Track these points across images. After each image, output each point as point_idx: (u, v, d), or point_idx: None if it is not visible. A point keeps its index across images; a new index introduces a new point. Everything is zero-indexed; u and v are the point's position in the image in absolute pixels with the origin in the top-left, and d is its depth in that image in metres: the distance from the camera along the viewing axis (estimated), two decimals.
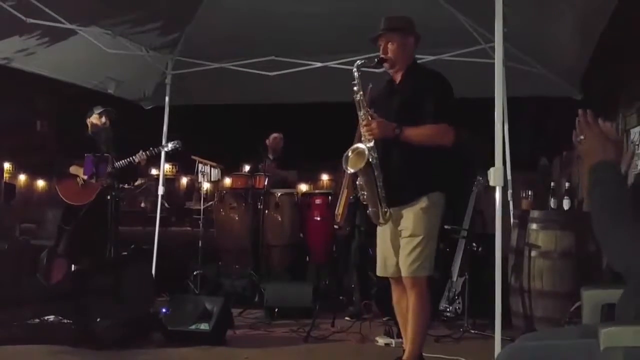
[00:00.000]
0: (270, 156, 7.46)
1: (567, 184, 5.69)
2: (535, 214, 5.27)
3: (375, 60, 3.80)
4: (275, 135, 7.57)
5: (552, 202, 5.32)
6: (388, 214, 3.71)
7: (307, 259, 7.05)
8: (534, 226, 5.19)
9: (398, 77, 3.89)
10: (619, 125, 5.80)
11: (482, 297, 5.14)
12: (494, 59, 3.94)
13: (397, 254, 3.79)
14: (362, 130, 3.65)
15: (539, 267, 5.06)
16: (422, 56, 5.94)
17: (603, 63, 5.87)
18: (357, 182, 3.72)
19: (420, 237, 3.68)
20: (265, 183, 6.88)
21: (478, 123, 5.33)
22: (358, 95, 3.67)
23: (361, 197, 3.72)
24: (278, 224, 7.00)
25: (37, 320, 4.71)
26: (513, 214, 5.64)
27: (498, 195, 3.79)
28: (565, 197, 5.29)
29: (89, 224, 5.79)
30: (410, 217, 3.70)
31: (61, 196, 5.95)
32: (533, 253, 5.12)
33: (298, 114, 9.15)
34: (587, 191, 2.02)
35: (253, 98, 7.71)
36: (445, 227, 6.57)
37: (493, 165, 3.76)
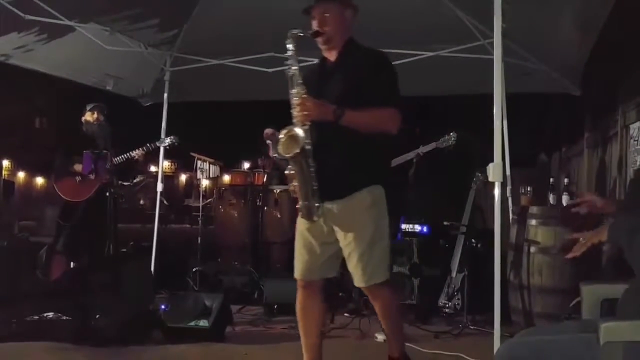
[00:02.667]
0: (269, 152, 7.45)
1: (566, 180, 5.70)
2: (534, 210, 5.28)
3: (310, 32, 3.34)
4: (267, 131, 7.56)
5: (551, 198, 5.32)
6: (321, 209, 3.23)
7: None
8: (533, 222, 5.20)
9: (333, 55, 3.41)
10: (619, 121, 5.80)
11: (482, 293, 5.14)
12: (492, 55, 3.93)
13: (324, 254, 3.38)
14: (296, 110, 3.19)
15: (538, 263, 5.06)
16: (420, 52, 5.96)
17: (602, 59, 5.86)
18: (287, 172, 3.26)
19: (368, 240, 3.25)
20: (264, 180, 6.88)
21: (477, 119, 5.33)
22: (291, 70, 3.23)
23: (290, 189, 3.29)
24: (277, 221, 7.00)
25: (36, 317, 4.71)
26: (512, 210, 5.64)
27: (497, 191, 3.79)
28: (564, 193, 5.29)
29: (88, 221, 5.79)
30: (351, 216, 3.25)
31: (60, 193, 5.95)
32: (532, 249, 5.12)
33: None
34: (625, 245, 2.01)
35: (252, 94, 7.70)
36: (445, 223, 6.61)
37: (492, 161, 3.75)
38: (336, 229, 3.29)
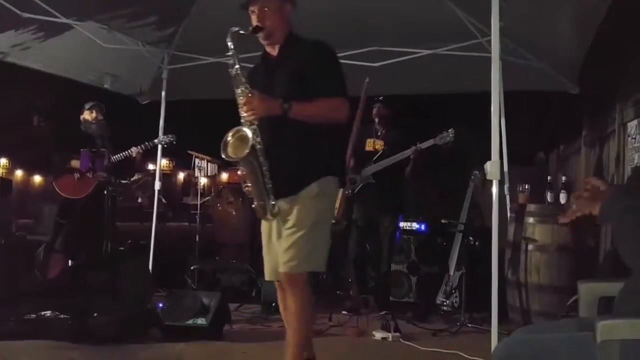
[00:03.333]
0: None
1: (563, 178, 5.70)
2: (532, 207, 5.28)
3: (250, 28, 3.29)
4: None
5: (549, 196, 5.33)
6: (276, 207, 3.20)
7: None
8: (530, 220, 5.20)
9: (275, 50, 3.36)
10: (616, 119, 5.80)
11: (479, 291, 5.14)
12: (490, 53, 3.93)
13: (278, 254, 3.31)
14: (242, 110, 3.14)
15: (536, 261, 5.07)
16: (418, 50, 5.96)
17: (600, 57, 5.86)
18: (239, 172, 3.22)
19: (305, 229, 3.16)
20: None
21: (475, 117, 5.33)
22: (233, 70, 3.19)
23: (245, 189, 3.23)
24: None
25: (34, 315, 4.71)
26: (510, 208, 5.64)
27: (495, 189, 3.79)
28: (562, 191, 5.30)
29: (86, 220, 5.79)
30: (297, 207, 3.19)
31: (58, 190, 5.95)
32: (530, 247, 5.13)
33: None
34: (615, 223, 2.00)
35: None
36: (443, 221, 6.62)
37: (490, 159, 3.75)
38: (285, 222, 3.24)
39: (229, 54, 3.20)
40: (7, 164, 14.02)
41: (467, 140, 5.83)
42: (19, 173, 14.46)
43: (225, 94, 8.55)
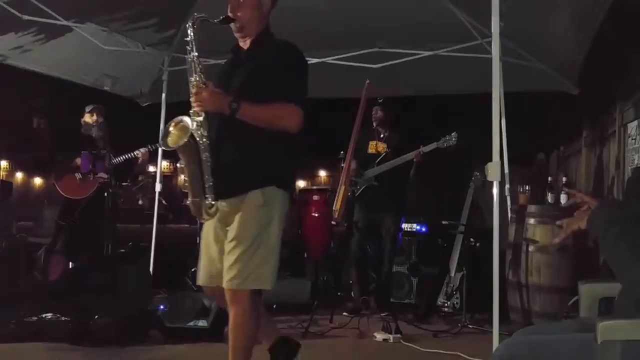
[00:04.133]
0: None
1: (564, 179, 5.71)
2: (532, 208, 5.28)
3: (221, 17, 3.15)
4: None
5: (550, 197, 5.33)
6: (214, 208, 3.01)
7: (305, 255, 7.05)
8: (531, 221, 5.20)
9: (246, 45, 3.21)
10: (616, 120, 5.80)
11: (480, 292, 5.15)
12: (491, 54, 3.93)
13: (216, 260, 3.14)
14: (192, 99, 2.98)
15: (537, 262, 5.07)
16: (418, 51, 5.96)
17: (600, 57, 5.86)
18: (179, 164, 3.14)
19: (248, 242, 2.98)
20: None
21: (475, 119, 5.34)
22: (190, 56, 3.03)
23: (182, 183, 3.25)
24: None
25: (34, 317, 4.71)
26: (510, 209, 5.64)
27: (495, 190, 3.79)
28: (563, 191, 5.29)
29: (86, 221, 5.79)
30: (239, 215, 3.01)
31: (60, 190, 5.95)
32: (530, 248, 5.13)
33: None
34: (600, 235, 2.01)
35: None
36: (443, 222, 6.62)
37: (490, 160, 3.75)
38: (228, 228, 3.06)
39: (187, 38, 3.06)
40: (8, 166, 14.01)
41: (467, 142, 5.82)
42: (19, 175, 14.44)
43: None
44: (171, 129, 2.98)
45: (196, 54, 3.03)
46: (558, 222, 2.29)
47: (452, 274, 5.93)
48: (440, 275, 6.08)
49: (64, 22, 5.40)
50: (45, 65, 6.06)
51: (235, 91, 3.01)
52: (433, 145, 5.75)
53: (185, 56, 3.06)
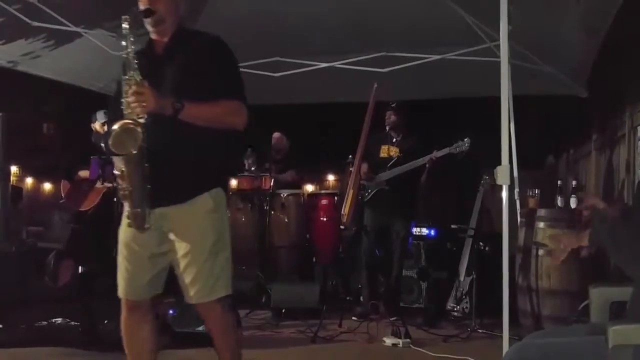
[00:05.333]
0: (277, 156, 7.45)
1: (574, 182, 5.67)
2: (542, 212, 5.25)
3: (140, 10, 2.86)
4: (275, 135, 7.55)
5: (559, 201, 5.30)
6: (153, 216, 2.82)
7: (314, 259, 7.05)
8: (541, 225, 5.17)
9: (163, 41, 2.96)
10: (626, 123, 5.77)
11: (490, 296, 5.14)
12: (499, 57, 3.92)
13: (154, 268, 2.97)
14: (130, 99, 2.68)
15: (547, 266, 5.03)
16: (426, 55, 5.96)
17: (609, 60, 5.84)
18: (116, 171, 2.79)
19: (206, 254, 2.86)
20: (271, 184, 6.88)
21: (485, 122, 5.32)
22: (125, 52, 2.73)
23: (120, 192, 2.81)
24: (284, 225, 7.00)
25: (44, 322, 4.72)
26: (520, 213, 5.62)
27: (505, 193, 3.78)
28: (572, 195, 5.27)
29: (95, 226, 5.80)
30: (191, 223, 2.85)
31: (69, 206, 5.98)
32: (540, 252, 5.09)
33: (303, 114, 9.14)
34: (607, 243, 2.02)
35: (258, 99, 7.69)
36: (452, 226, 6.60)
37: (499, 163, 3.74)
38: (172, 237, 2.87)
39: (123, 32, 2.74)
40: (18, 172, 14.08)
41: (476, 145, 5.81)
42: (29, 180, 14.53)
43: None
44: (117, 130, 2.65)
45: (133, 48, 2.72)
46: (553, 238, 2.31)
47: (462, 278, 5.91)
48: (450, 279, 6.06)
49: (73, 29, 5.42)
50: (54, 71, 6.10)
51: (168, 90, 2.77)
52: (445, 151, 5.73)
53: (121, 53, 2.76)
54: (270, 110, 8.43)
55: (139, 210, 2.78)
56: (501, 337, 3.72)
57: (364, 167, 5.74)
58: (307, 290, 5.97)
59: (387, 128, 6.08)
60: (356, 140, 5.50)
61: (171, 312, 4.93)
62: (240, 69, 3.03)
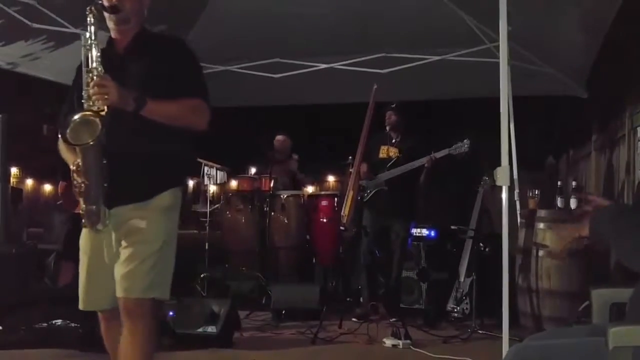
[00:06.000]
0: (279, 157, 7.45)
1: (574, 183, 5.68)
2: (542, 213, 5.26)
3: (107, 5, 2.76)
4: (278, 137, 7.55)
5: (559, 201, 5.30)
6: (108, 215, 2.69)
7: (314, 260, 7.05)
8: (541, 225, 5.17)
9: (125, 40, 2.86)
10: (626, 124, 5.78)
11: (490, 297, 5.13)
12: (498, 58, 3.92)
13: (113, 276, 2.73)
14: (92, 91, 2.56)
15: (547, 267, 5.04)
16: (426, 56, 5.97)
17: (609, 61, 5.84)
18: (73, 166, 2.62)
19: (154, 249, 2.72)
20: (271, 185, 6.88)
21: (484, 123, 5.33)
22: (89, 43, 2.67)
23: (75, 189, 2.66)
24: (284, 226, 7.00)
25: (44, 324, 4.72)
26: (520, 214, 5.62)
27: (505, 194, 3.77)
28: (572, 196, 5.27)
29: None
30: (144, 218, 2.72)
31: (65, 207, 5.96)
32: (540, 252, 5.10)
33: (303, 115, 9.15)
34: (608, 233, 2.01)
35: (258, 100, 7.72)
36: (452, 227, 6.60)
37: (499, 164, 3.74)
38: (124, 234, 2.73)
39: (88, 22, 2.70)
40: (18, 173, 14.08)
41: (476, 146, 5.81)
42: (29, 182, 14.52)
43: (234, 101, 8.63)
44: (76, 119, 2.57)
45: (95, 41, 2.65)
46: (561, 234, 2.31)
47: (462, 279, 5.90)
48: (450, 280, 6.05)
49: (73, 30, 5.43)
50: (54, 72, 6.10)
51: (130, 88, 2.66)
52: (445, 152, 5.72)
53: (83, 45, 2.67)
54: (270, 111, 8.46)
55: (93, 207, 2.65)
56: (501, 338, 3.70)
57: (364, 167, 5.74)
58: (307, 292, 5.97)
59: (388, 128, 6.07)
60: (356, 141, 5.50)
61: (171, 313, 4.92)
62: (203, 71, 3.01)
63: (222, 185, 7.98)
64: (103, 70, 2.61)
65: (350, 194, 5.43)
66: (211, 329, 4.73)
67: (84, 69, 2.64)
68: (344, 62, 6.20)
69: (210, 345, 4.68)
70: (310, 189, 8.77)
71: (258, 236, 6.91)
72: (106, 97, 2.56)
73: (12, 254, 5.61)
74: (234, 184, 7.69)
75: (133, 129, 2.66)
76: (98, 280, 2.79)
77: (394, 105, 6.08)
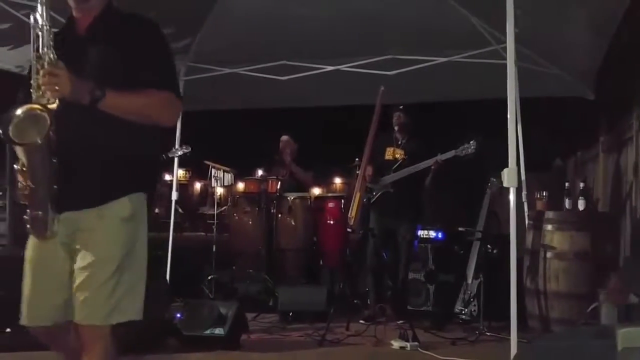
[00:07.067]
0: (284, 159, 7.45)
1: (581, 185, 5.66)
2: (550, 214, 5.24)
3: None
4: (283, 137, 7.53)
5: (567, 203, 5.29)
6: (57, 222, 2.34)
7: (321, 262, 7.05)
8: (549, 227, 5.16)
9: (87, 20, 2.49)
10: (633, 125, 5.75)
11: (498, 299, 5.12)
12: (506, 59, 3.92)
13: (65, 287, 2.40)
14: (41, 81, 2.24)
15: (555, 268, 5.03)
16: (434, 58, 5.96)
17: (616, 62, 5.82)
18: (17, 165, 2.28)
19: (113, 268, 2.36)
20: (278, 187, 6.89)
21: (492, 124, 5.32)
22: (40, 25, 2.34)
23: (19, 192, 2.32)
24: (291, 228, 7.00)
25: None
26: (528, 215, 5.61)
27: (512, 196, 3.77)
28: (580, 197, 5.26)
29: None
30: (101, 230, 2.38)
31: None
32: (548, 254, 5.09)
33: (310, 117, 9.16)
34: None
35: (265, 102, 7.73)
36: (460, 228, 6.59)
37: (507, 166, 3.73)
38: (78, 246, 2.39)
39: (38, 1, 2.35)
40: None
41: (483, 148, 5.80)
42: None
43: (241, 104, 8.64)
44: (19, 113, 2.21)
45: (46, 23, 2.33)
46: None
47: (469, 281, 5.89)
48: (457, 282, 6.04)
49: None
50: None
51: (87, 77, 2.31)
52: (451, 153, 5.71)
53: (30, 22, 2.36)
54: (277, 114, 8.47)
55: (39, 213, 2.30)
56: (509, 340, 3.70)
57: (369, 170, 5.73)
58: (314, 293, 5.97)
59: (396, 129, 6.06)
60: (363, 143, 5.51)
61: (179, 315, 4.94)
62: (173, 62, 2.63)
63: (229, 188, 8.00)
64: (55, 56, 2.26)
65: (357, 196, 5.43)
66: (219, 330, 4.74)
67: (32, 54, 2.31)
68: (351, 64, 6.21)
69: (217, 347, 4.69)
70: (316, 191, 8.77)
71: (265, 238, 6.91)
72: (57, 88, 2.21)
73: (20, 257, 5.63)
74: (241, 186, 7.70)
75: (88, 123, 2.32)
76: (44, 294, 2.43)
77: (401, 107, 6.08)
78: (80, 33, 2.49)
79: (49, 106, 2.22)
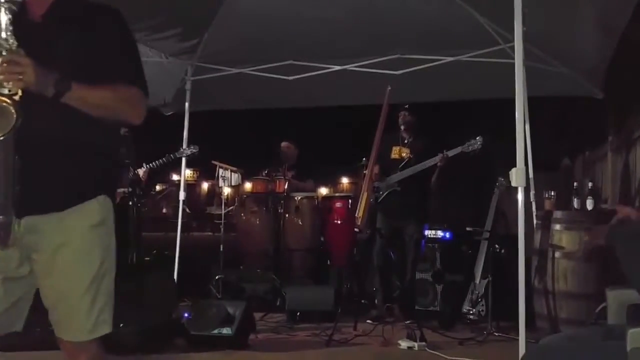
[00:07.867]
0: (287, 163, 7.44)
1: (590, 184, 5.64)
2: (558, 214, 5.22)
3: None
4: (283, 144, 7.47)
5: (575, 203, 5.27)
6: (22, 227, 2.13)
7: (328, 262, 7.04)
8: (557, 227, 5.14)
9: (44, 5, 2.23)
10: None
11: (506, 299, 5.10)
12: (513, 59, 3.90)
13: (11, 296, 2.28)
14: (1, 69, 2.00)
15: (563, 268, 5.01)
16: (441, 57, 5.94)
17: (625, 61, 5.79)
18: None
19: (94, 274, 2.22)
20: (285, 187, 6.89)
21: (500, 124, 5.31)
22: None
23: None
24: (299, 228, 7.00)
25: None
26: (536, 215, 5.58)
27: (520, 196, 3.76)
28: (589, 197, 5.23)
29: None
30: (68, 240, 2.19)
31: None
32: (557, 254, 5.07)
33: (317, 117, 9.15)
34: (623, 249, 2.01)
35: (272, 102, 7.73)
36: (468, 228, 6.58)
37: (515, 165, 3.72)
38: (37, 257, 2.21)
39: None
40: None
41: (491, 147, 5.78)
42: None
43: (248, 104, 8.65)
44: None
45: (5, 4, 2.05)
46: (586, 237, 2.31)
47: (477, 281, 5.87)
48: (465, 282, 6.03)
49: None
50: None
51: (46, 66, 2.07)
52: (458, 150, 5.70)
53: None
54: (285, 114, 8.47)
55: (3, 217, 2.05)
56: (517, 340, 3.69)
57: (375, 169, 5.73)
58: (321, 293, 5.97)
59: (402, 128, 6.06)
60: (369, 143, 5.50)
61: (186, 315, 4.95)
62: (139, 56, 2.43)
63: (237, 187, 8.01)
64: (15, 43, 2.04)
65: (364, 196, 5.42)
66: (226, 330, 4.74)
67: None
68: (358, 64, 6.20)
69: (225, 346, 4.69)
70: (324, 191, 8.76)
71: (272, 238, 6.92)
72: (20, 77, 2.00)
73: None
74: (248, 186, 7.70)
75: (52, 117, 2.12)
76: (8, 301, 2.30)
77: (407, 106, 6.08)
78: (35, 19, 2.23)
79: (14, 97, 2.01)
